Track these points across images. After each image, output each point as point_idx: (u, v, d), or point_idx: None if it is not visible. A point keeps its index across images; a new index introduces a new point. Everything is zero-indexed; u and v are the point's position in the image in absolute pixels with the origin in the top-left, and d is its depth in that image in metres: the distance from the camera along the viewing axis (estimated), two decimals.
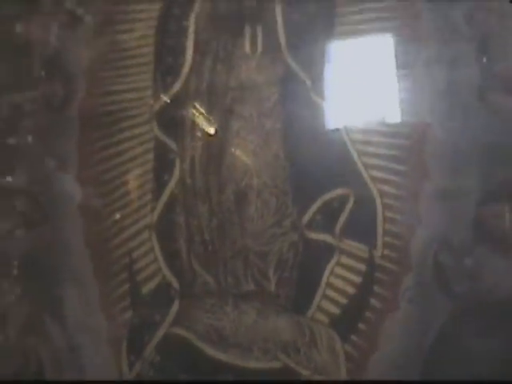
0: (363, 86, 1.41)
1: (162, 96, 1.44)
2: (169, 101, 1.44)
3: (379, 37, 1.43)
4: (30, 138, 1.55)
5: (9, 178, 1.50)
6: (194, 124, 1.46)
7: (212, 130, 1.42)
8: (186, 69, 1.54)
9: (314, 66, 1.46)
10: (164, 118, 1.51)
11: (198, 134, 1.44)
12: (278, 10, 1.50)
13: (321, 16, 1.48)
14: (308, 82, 1.43)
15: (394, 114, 1.38)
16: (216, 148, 1.42)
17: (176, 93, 1.50)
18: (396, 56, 1.40)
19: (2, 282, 1.39)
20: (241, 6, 1.53)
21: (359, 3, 1.47)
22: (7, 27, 1.66)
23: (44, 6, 1.67)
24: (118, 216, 1.37)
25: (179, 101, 1.51)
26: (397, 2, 1.44)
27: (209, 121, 1.46)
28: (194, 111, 1.48)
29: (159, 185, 1.40)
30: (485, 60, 1.33)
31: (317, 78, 1.45)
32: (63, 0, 1.63)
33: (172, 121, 1.49)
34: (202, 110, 1.47)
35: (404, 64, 1.40)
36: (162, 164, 1.41)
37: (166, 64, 1.55)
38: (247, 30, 1.52)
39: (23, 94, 1.60)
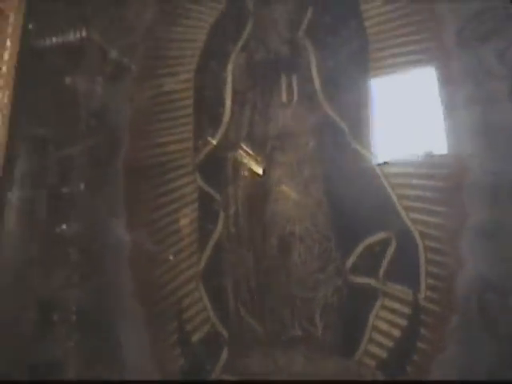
0: (400, 129, 1.48)
1: (209, 139, 1.54)
2: (215, 143, 1.53)
3: (414, 80, 1.49)
4: (82, 187, 1.66)
5: (63, 226, 1.63)
6: (236, 171, 1.54)
7: (260, 170, 1.53)
8: (225, 119, 1.65)
9: (350, 111, 1.55)
10: (206, 168, 1.63)
11: (245, 173, 1.57)
12: (312, 58, 1.61)
13: (354, 62, 1.58)
14: (345, 128, 1.49)
15: (432, 156, 1.44)
16: (258, 196, 1.51)
17: (217, 143, 1.59)
18: (432, 98, 1.48)
19: (61, 328, 1.50)
20: (276, 55, 1.65)
21: (391, 48, 1.54)
22: (57, 79, 1.81)
23: (90, 57, 1.82)
24: (171, 257, 1.47)
25: (220, 151, 1.57)
26: (428, 44, 1.48)
27: (256, 161, 1.57)
28: (241, 152, 1.59)
29: (204, 234, 1.51)
30: None
31: (353, 123, 1.54)
32: (108, 51, 1.78)
33: (214, 171, 1.60)
34: (249, 151, 1.58)
35: (441, 105, 1.47)
36: (207, 213, 1.53)
37: (206, 115, 1.67)
38: (283, 80, 1.63)
39: (72, 147, 1.73)
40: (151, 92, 1.70)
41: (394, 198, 1.42)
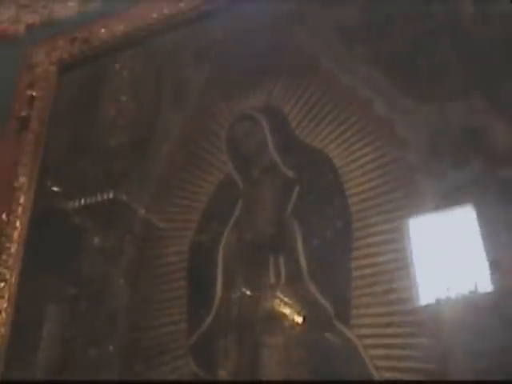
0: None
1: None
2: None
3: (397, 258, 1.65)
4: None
5: None
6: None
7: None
8: (216, 300, 1.88)
9: (335, 289, 1.75)
10: (199, 351, 1.85)
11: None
12: (299, 238, 1.84)
13: (338, 241, 1.80)
14: (330, 308, 1.70)
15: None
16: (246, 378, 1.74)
17: (208, 325, 1.84)
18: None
19: None
20: (264, 236, 1.90)
21: (375, 225, 1.76)
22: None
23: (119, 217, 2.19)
24: None
25: (211, 333, 1.84)
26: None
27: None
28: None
29: None
30: None
31: (339, 303, 1.72)
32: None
33: (206, 354, 1.82)
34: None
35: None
36: None
37: (199, 295, 1.93)
38: (271, 261, 1.87)
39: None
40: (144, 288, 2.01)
41: (375, 372, 1.58)
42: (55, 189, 2.37)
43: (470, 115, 1.75)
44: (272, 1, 2.20)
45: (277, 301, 1.77)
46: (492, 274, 1.53)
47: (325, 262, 1.80)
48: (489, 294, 1.52)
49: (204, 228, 2.02)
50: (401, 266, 1.66)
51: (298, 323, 1.72)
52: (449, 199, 1.68)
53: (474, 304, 1.53)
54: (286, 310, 1.75)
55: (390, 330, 1.63)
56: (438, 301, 1.58)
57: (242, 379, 1.73)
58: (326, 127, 1.96)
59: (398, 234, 1.73)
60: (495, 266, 1.54)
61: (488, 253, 1.56)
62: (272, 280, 1.83)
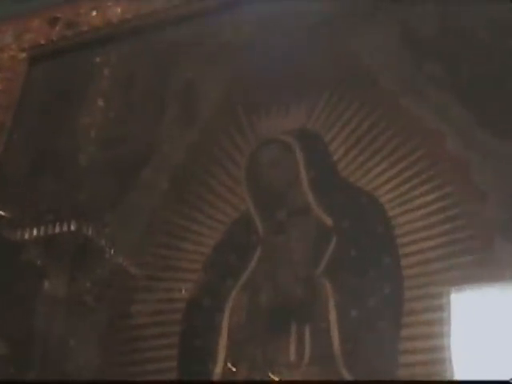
0: None
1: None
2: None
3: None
4: None
5: None
6: None
7: None
8: (216, 377, 1.95)
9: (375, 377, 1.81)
10: None
11: None
12: (332, 305, 1.91)
13: (385, 314, 1.87)
14: None
15: None
16: None
17: None
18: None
19: None
20: (287, 297, 1.98)
21: (430, 297, 1.84)
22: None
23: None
24: None
25: None
26: None
27: None
28: None
29: None
30: None
31: None
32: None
33: None
34: None
35: None
36: None
37: (191, 372, 2.01)
38: (293, 330, 1.93)
39: None
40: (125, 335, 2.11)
41: None
42: (2, 213, 2.46)
43: None
44: None
45: None
46: None
47: (365, 339, 1.85)
48: None
49: (206, 282, 2.10)
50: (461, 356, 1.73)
51: None
52: None
53: None
54: None
55: None
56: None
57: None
58: (379, 164, 2.03)
59: (462, 310, 1.79)
60: None
61: None
62: (292, 357, 1.88)
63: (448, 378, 1.69)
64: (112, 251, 2.24)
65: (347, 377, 1.81)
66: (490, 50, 2.02)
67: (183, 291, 2.11)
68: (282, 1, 2.37)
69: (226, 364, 1.95)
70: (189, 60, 2.45)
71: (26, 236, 2.34)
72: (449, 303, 1.80)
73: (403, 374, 1.77)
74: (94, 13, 2.56)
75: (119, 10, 2.53)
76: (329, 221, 2.02)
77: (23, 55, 2.56)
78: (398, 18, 2.19)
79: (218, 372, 1.95)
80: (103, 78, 2.55)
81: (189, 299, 2.09)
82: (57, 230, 2.30)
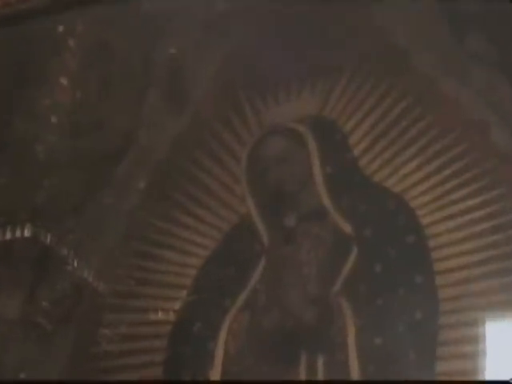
0: None
1: None
2: None
3: None
4: None
5: None
6: None
7: None
8: None
9: None
10: None
11: None
12: (351, 330, 1.83)
13: (417, 340, 1.79)
14: None
15: None
16: None
17: None
18: None
19: None
20: (296, 320, 1.88)
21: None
22: None
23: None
24: None
25: None
26: None
27: None
28: None
29: None
30: None
31: None
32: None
33: None
34: None
35: None
36: None
37: None
38: (303, 361, 1.85)
39: None
40: None
41: None
42: None
43: None
44: None
45: None
46: None
47: (391, 373, 1.78)
48: None
49: (196, 301, 2.04)
50: None
51: None
52: None
53: None
54: None
55: None
56: None
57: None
58: (410, 161, 1.98)
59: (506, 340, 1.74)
60: None
61: None
62: None
63: None
64: (76, 263, 2.15)
65: None
66: None
67: (171, 313, 2.04)
68: None
69: None
70: (175, 31, 2.36)
71: None
72: (492, 331, 1.75)
73: None
74: None
75: None
76: (348, 228, 1.96)
77: None
78: None
79: None
80: (68, 51, 2.43)
81: (175, 322, 2.02)
82: (8, 235, 2.22)
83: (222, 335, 1.93)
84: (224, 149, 2.19)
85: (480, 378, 1.71)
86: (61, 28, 2.47)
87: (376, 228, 1.94)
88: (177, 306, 2.04)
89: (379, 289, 1.87)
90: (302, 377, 1.84)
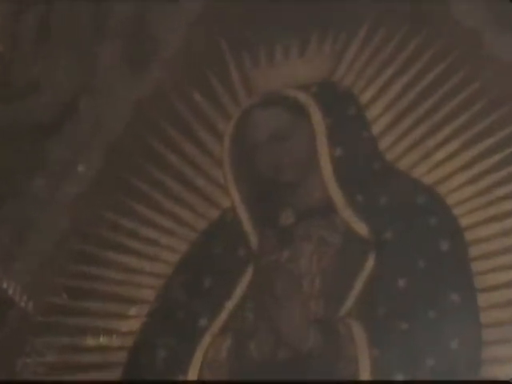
0: None
1: None
2: None
3: None
4: None
5: None
6: None
7: None
8: None
9: None
10: None
11: None
12: (365, 363, 1.78)
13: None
14: None
15: None
16: None
17: None
18: None
19: None
20: (293, 350, 1.83)
21: None
22: None
23: None
24: None
25: None
26: None
27: None
28: None
29: None
30: None
31: None
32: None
33: None
34: None
35: None
36: None
37: None
38: None
39: None
40: None
41: None
42: None
43: None
44: None
45: None
46: None
47: None
48: None
49: (161, 320, 2.00)
50: None
51: None
52: None
53: None
54: None
55: None
56: None
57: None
58: (446, 143, 1.94)
59: None
60: None
61: None
62: None
63: None
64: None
65: None
66: None
67: (114, 336, 2.02)
68: None
69: None
70: None
71: None
72: None
73: None
74: None
75: None
76: (363, 229, 1.92)
77: None
78: None
79: None
80: None
81: (131, 348, 1.99)
82: None
83: (195, 366, 1.90)
84: (201, 122, 2.15)
85: None
86: None
87: (400, 230, 1.91)
88: (126, 327, 2.02)
89: (403, 310, 1.83)
90: None
